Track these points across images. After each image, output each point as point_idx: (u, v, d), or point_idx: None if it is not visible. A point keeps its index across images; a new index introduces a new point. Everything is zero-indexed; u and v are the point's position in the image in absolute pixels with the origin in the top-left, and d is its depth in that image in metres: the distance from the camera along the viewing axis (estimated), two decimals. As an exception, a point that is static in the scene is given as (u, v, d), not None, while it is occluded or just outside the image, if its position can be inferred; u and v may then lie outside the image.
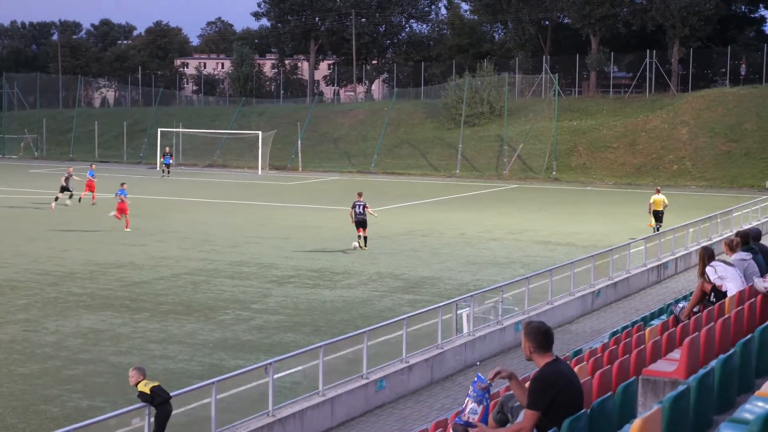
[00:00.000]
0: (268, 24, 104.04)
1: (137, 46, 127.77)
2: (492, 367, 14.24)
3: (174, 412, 14.08)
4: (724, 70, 77.00)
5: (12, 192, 51.68)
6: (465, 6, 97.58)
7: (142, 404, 13.58)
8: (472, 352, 20.28)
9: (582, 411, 7.47)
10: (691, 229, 33.49)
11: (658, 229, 35.17)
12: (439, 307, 19.77)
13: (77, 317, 22.84)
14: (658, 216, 36.29)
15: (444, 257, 31.85)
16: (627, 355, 10.18)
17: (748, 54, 77.62)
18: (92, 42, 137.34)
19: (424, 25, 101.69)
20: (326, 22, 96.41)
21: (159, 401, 13.59)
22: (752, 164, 61.22)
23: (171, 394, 13.91)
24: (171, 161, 66.69)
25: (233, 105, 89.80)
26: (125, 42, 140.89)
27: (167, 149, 68.32)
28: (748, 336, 9.58)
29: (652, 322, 15.49)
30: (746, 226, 27.59)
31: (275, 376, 15.48)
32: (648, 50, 75.59)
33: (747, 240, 14.43)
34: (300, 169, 70.52)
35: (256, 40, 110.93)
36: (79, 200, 45.64)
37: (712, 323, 10.45)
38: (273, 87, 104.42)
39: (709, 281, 12.91)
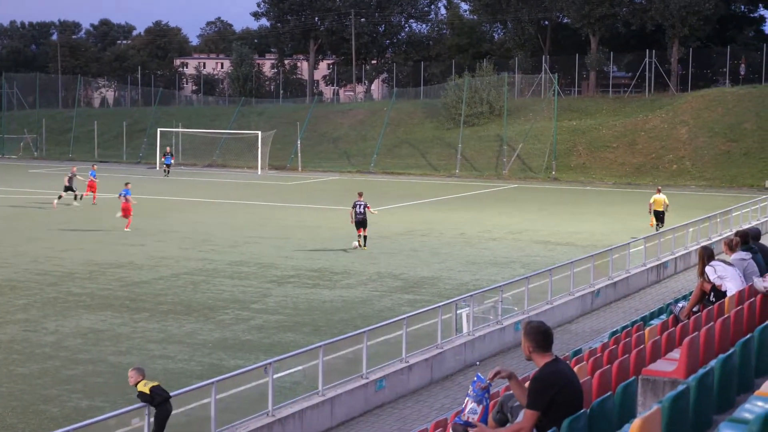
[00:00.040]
0: (268, 24, 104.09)
1: (137, 46, 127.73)
2: (492, 366, 14.24)
3: (174, 412, 14.08)
4: (723, 69, 76.99)
5: (11, 192, 51.67)
6: (464, 6, 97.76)
7: (142, 404, 13.58)
8: (471, 352, 20.28)
9: (582, 411, 7.47)
10: (690, 229, 33.49)
11: (658, 228, 35.20)
12: (439, 306, 19.77)
13: (77, 317, 22.84)
14: (659, 216, 36.31)
15: (443, 257, 31.85)
16: (627, 355, 10.18)
17: (747, 54, 77.66)
18: (92, 42, 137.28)
19: (424, 25, 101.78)
20: (326, 22, 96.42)
21: (159, 401, 13.60)
22: (752, 164, 61.24)
23: (171, 394, 13.91)
24: (171, 161, 66.76)
25: (233, 105, 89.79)
26: (125, 42, 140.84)
27: (168, 149, 68.38)
28: (748, 336, 9.58)
29: (652, 321, 15.49)
30: (746, 226, 27.61)
31: (275, 376, 15.49)
32: (647, 50, 75.61)
33: (746, 240, 14.43)
34: (299, 169, 70.52)
35: (256, 40, 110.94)
36: (81, 198, 45.64)
37: (712, 323, 10.45)
38: (272, 87, 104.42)
39: (709, 281, 12.90)
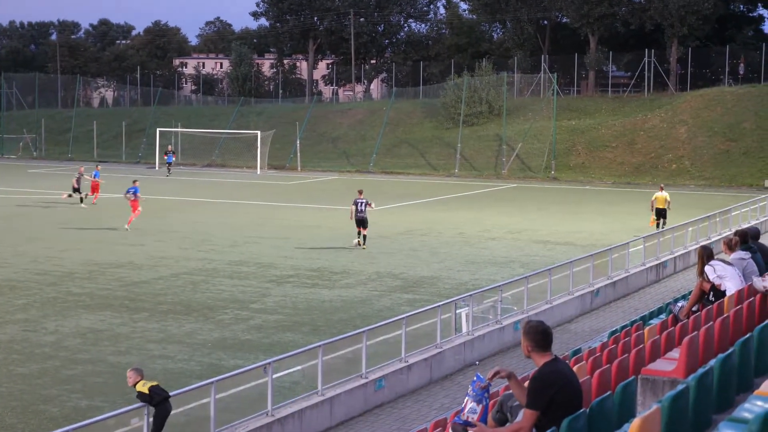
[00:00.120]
0: (267, 24, 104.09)
1: (136, 46, 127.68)
2: (491, 366, 14.25)
3: (173, 411, 14.07)
4: (721, 69, 76.97)
5: (11, 192, 51.66)
6: (463, 5, 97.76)
7: (141, 404, 13.58)
8: (471, 352, 20.28)
9: (581, 410, 7.47)
10: (690, 228, 33.49)
11: (662, 226, 35.27)
12: (438, 306, 19.76)
13: (76, 317, 22.83)
14: (661, 213, 36.37)
15: (443, 257, 31.85)
16: (626, 355, 10.18)
17: (746, 53, 77.68)
18: (91, 42, 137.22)
19: (423, 25, 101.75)
20: (325, 22, 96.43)
21: (158, 400, 13.59)
22: (751, 163, 61.25)
23: (170, 393, 13.90)
24: (173, 159, 66.83)
25: (232, 105, 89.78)
26: (124, 42, 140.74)
27: (169, 147, 68.45)
28: (747, 335, 9.58)
29: (651, 321, 15.50)
30: (745, 225, 27.62)
31: (274, 375, 15.49)
32: (646, 49, 75.61)
33: (746, 239, 14.43)
34: (299, 168, 70.51)
35: (255, 40, 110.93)
36: (86, 197, 45.64)
37: (711, 322, 10.45)
38: (272, 87, 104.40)
39: (708, 280, 12.91)
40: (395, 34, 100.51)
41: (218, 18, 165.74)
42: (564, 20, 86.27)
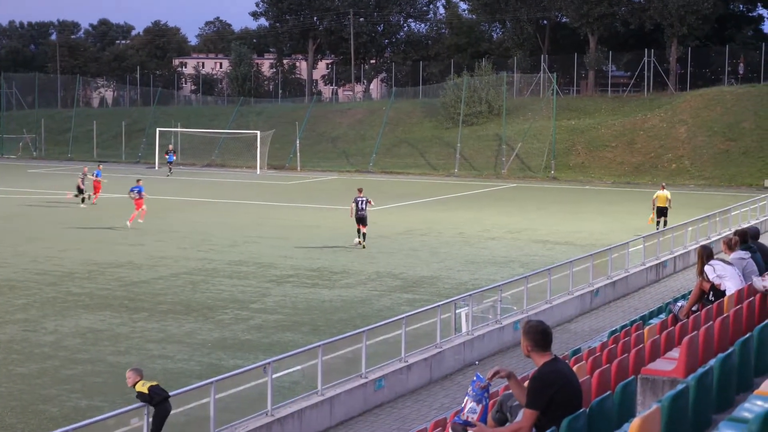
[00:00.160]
0: (267, 23, 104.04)
1: (135, 46, 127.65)
2: (491, 366, 14.25)
3: (173, 411, 14.07)
4: (721, 69, 76.98)
5: (11, 192, 51.65)
6: (463, 5, 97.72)
7: (141, 404, 13.57)
8: (470, 352, 20.28)
9: (581, 410, 7.46)
10: (689, 228, 33.48)
11: (665, 224, 35.34)
12: (438, 306, 19.76)
13: (76, 317, 22.83)
14: (662, 212, 36.43)
15: (442, 256, 31.85)
16: (626, 354, 10.17)
17: (746, 53, 77.68)
18: (90, 42, 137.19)
19: (423, 25, 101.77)
20: (324, 22, 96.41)
21: (158, 400, 13.58)
22: (750, 163, 61.25)
23: (170, 393, 13.89)
24: (174, 158, 66.85)
25: (231, 105, 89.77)
26: (124, 42, 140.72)
27: (170, 146, 68.48)
28: (747, 335, 9.58)
29: (651, 321, 15.49)
30: (745, 225, 27.64)
31: (274, 375, 15.48)
32: (646, 49, 75.61)
33: (745, 239, 14.43)
34: (298, 168, 70.50)
35: (255, 40, 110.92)
36: (89, 197, 45.65)
37: (711, 322, 10.45)
38: (271, 86, 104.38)
39: (708, 280, 12.90)
40: (395, 33, 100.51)
41: (218, 18, 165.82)
42: (563, 20, 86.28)
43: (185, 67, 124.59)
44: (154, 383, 13.79)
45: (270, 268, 29.36)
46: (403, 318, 18.70)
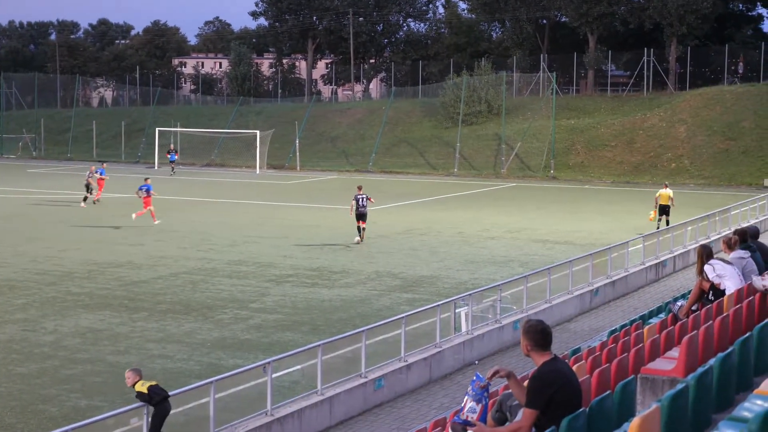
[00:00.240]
0: (266, 23, 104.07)
1: (135, 46, 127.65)
2: (490, 365, 14.23)
3: (172, 411, 14.06)
4: (720, 68, 76.98)
5: (10, 192, 51.65)
6: (462, 5, 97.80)
7: (141, 404, 13.57)
8: (470, 351, 20.27)
9: (580, 410, 7.46)
10: (689, 228, 33.48)
11: (667, 223, 35.39)
12: (438, 305, 19.75)
13: (75, 317, 22.82)
14: (664, 210, 36.49)
15: (442, 256, 31.85)
16: (626, 354, 10.17)
17: (745, 52, 77.68)
18: (90, 42, 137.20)
19: (422, 24, 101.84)
20: (324, 21, 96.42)
21: (157, 400, 13.58)
22: (750, 162, 61.26)
23: (169, 393, 13.88)
24: (176, 158, 66.87)
25: (231, 104, 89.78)
26: (123, 41, 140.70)
27: (171, 146, 68.46)
28: (747, 334, 9.57)
29: (651, 320, 15.49)
30: (744, 224, 27.66)
31: (274, 375, 15.47)
32: (645, 48, 75.62)
33: (745, 238, 14.42)
34: (298, 168, 70.50)
35: (254, 40, 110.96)
36: (91, 194, 45.69)
37: (711, 321, 10.45)
38: (271, 86, 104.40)
39: (708, 279, 12.89)
40: (394, 33, 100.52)
41: (217, 18, 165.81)
42: (563, 19, 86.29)
43: (185, 67, 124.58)
44: (154, 383, 13.78)
45: (269, 268, 29.36)
46: (402, 317, 18.69)
